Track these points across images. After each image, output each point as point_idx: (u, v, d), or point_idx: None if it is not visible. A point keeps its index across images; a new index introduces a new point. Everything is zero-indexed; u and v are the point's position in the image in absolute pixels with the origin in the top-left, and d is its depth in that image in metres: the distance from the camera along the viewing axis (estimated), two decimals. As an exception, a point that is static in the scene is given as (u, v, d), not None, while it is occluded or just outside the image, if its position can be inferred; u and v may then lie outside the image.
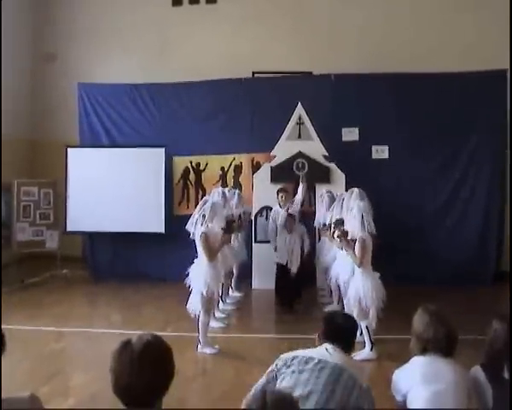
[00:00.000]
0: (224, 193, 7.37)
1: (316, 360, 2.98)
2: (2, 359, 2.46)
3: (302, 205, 9.09)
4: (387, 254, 7.99)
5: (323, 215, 8.13)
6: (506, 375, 2.87)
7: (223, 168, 10.54)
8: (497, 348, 2.94)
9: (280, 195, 8.92)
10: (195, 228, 6.39)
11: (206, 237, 6.28)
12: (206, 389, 5.41)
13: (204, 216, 6.41)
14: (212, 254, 6.32)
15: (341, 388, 2.87)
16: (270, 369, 3.09)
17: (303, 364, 2.98)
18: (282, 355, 3.14)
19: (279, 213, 8.81)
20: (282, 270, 8.41)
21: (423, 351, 2.98)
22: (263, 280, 9.28)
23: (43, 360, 6.00)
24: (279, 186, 9.17)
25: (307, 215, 9.35)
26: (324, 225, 8.11)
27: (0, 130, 10.37)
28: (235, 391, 4.84)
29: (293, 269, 8.25)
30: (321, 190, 9.02)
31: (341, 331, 3.20)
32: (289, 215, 8.52)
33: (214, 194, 7.28)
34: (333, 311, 3.41)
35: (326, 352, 3.06)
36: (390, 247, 8.39)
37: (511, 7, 9.58)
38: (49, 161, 11.49)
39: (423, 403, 2.84)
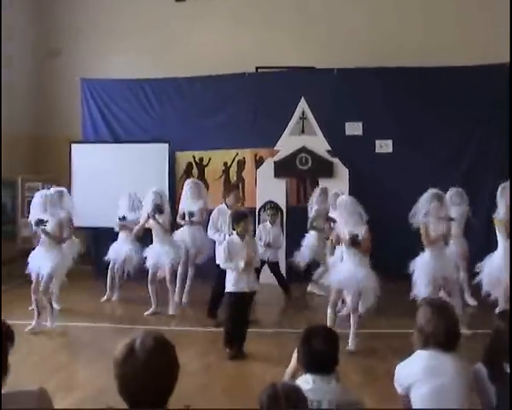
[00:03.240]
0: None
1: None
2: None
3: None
4: (390, 249, 8.03)
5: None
6: (508, 370, 2.89)
7: (226, 163, 10.54)
8: (498, 346, 2.96)
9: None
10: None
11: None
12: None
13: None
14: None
15: None
16: None
17: None
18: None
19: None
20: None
21: (425, 345, 2.98)
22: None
23: (49, 355, 6.03)
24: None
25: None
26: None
27: (0, 125, 10.37)
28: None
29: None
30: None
31: (320, 358, 2.86)
32: None
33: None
34: (311, 327, 3.02)
35: (314, 385, 2.80)
36: (393, 242, 8.41)
37: (511, 6, 9.54)
38: (53, 157, 11.47)
39: (425, 397, 2.85)
